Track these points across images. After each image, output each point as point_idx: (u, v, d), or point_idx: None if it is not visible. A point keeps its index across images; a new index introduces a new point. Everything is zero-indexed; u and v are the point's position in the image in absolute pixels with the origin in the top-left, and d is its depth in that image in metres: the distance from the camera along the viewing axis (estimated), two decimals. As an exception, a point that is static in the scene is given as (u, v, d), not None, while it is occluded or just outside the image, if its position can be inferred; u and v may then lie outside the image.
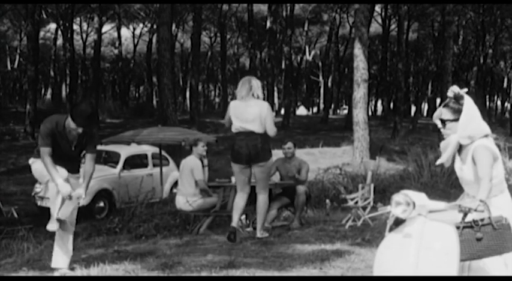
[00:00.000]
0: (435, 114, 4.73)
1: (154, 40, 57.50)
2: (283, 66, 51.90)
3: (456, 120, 4.53)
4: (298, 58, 68.86)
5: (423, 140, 33.37)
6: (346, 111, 59.36)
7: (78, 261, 6.98)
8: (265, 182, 8.80)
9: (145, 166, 17.16)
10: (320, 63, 71.82)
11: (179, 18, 57.09)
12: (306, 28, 60.80)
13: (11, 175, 23.58)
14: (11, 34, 69.57)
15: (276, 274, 6.27)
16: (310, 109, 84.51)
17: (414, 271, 3.74)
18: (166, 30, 26.38)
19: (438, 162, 4.84)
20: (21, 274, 6.53)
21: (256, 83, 8.56)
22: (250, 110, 8.42)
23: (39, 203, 15.31)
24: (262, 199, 8.76)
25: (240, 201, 8.74)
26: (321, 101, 70.05)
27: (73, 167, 6.76)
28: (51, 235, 11.32)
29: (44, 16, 54.20)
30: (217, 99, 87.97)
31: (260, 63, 57.00)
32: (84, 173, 6.64)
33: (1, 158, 28.08)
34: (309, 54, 67.96)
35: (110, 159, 17.06)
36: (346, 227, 9.90)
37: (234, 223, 8.61)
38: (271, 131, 8.50)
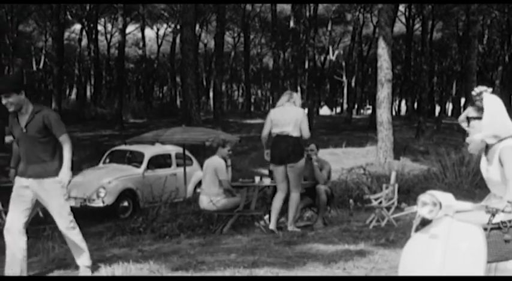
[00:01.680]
0: (463, 114, 4.69)
1: (177, 40, 57.61)
2: (306, 66, 51.73)
3: (479, 118, 4.48)
4: (322, 58, 68.72)
5: (447, 140, 33.15)
6: (369, 111, 59.17)
7: (103, 260, 7.00)
8: (296, 181, 9.57)
9: (169, 165, 17.20)
10: (343, 63, 71.65)
11: (203, 18, 57.23)
12: (329, 28, 60.67)
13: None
14: (36, 35, 70.14)
15: (300, 273, 6.25)
16: (334, 109, 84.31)
17: (440, 272, 3.70)
18: (190, 31, 26.41)
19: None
20: (47, 272, 6.57)
21: (296, 95, 9.69)
22: (286, 115, 9.40)
23: (64, 202, 15.43)
24: (293, 196, 9.58)
25: (276, 202, 9.59)
26: (345, 101, 69.83)
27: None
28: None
29: (69, 17, 54.64)
30: (240, 99, 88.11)
31: (283, 63, 56.95)
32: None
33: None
34: (333, 54, 67.82)
35: (134, 159, 17.13)
36: (370, 228, 9.85)
37: (272, 225, 9.50)
38: (306, 134, 9.42)
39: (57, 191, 6.19)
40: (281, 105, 9.57)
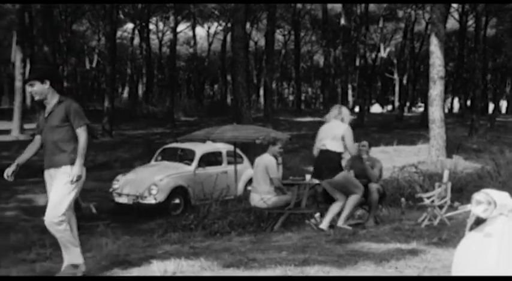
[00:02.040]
0: None
1: (228, 39, 57.87)
2: (357, 63, 51.50)
3: None
4: (373, 55, 68.14)
5: (502, 138, 32.60)
6: (421, 109, 58.46)
7: (155, 257, 7.07)
8: (349, 188, 9.61)
9: (220, 163, 17.27)
10: (395, 61, 70.93)
11: (253, 16, 57.30)
12: (380, 25, 60.10)
13: (89, 172, 23.96)
14: (89, 34, 71.23)
15: (351, 273, 6.21)
16: (385, 107, 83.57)
17: (494, 271, 3.65)
18: (241, 29, 26.48)
19: None
20: (100, 268, 6.65)
21: (345, 110, 9.60)
22: (329, 130, 9.45)
23: (116, 199, 15.63)
24: (353, 197, 9.64)
25: (334, 207, 9.67)
26: (396, 98, 69.18)
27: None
28: (128, 231, 11.59)
29: (121, 16, 55.28)
30: (290, 97, 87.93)
31: (334, 61, 56.66)
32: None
33: (81, 155, 28.74)
34: (384, 51, 67.19)
35: (185, 156, 17.26)
36: (422, 226, 9.74)
37: (324, 225, 9.47)
38: (351, 149, 9.48)
39: (62, 181, 6.06)
40: (328, 121, 9.62)
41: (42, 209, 14.90)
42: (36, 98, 6.21)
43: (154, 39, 67.66)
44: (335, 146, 9.35)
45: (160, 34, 68.14)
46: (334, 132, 9.35)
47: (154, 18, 63.77)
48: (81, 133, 6.11)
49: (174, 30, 50.72)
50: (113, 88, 41.34)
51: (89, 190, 17.81)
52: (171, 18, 54.36)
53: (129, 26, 64.92)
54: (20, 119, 37.00)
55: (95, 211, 13.70)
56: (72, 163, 6.07)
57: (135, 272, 6.42)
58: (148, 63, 59.51)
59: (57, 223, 6.01)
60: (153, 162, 17.50)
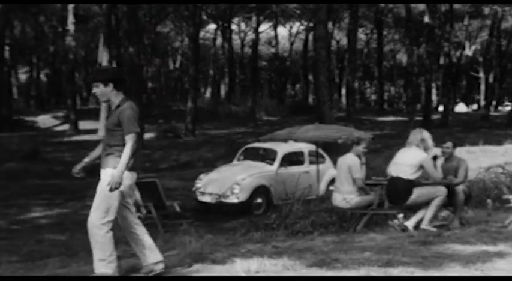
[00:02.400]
0: None
1: (310, 38, 57.77)
2: (441, 62, 50.52)
3: None
4: (458, 54, 66.75)
5: None
6: (508, 108, 56.94)
7: (238, 255, 7.12)
8: (426, 199, 9.48)
9: (302, 163, 17.25)
10: (481, 59, 69.29)
11: (335, 15, 57.04)
12: (465, 22, 58.84)
13: (173, 171, 24.54)
14: (173, 35, 72.40)
15: (436, 274, 6.11)
16: (470, 106, 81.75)
17: None
18: (323, 28, 26.41)
19: None
20: (184, 266, 6.75)
21: (427, 135, 9.50)
22: (408, 158, 9.44)
23: (199, 198, 15.83)
24: (435, 199, 9.50)
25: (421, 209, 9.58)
26: (482, 97, 67.57)
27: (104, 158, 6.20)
28: (211, 230, 11.71)
29: (204, 17, 55.91)
30: (373, 97, 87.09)
31: (417, 59, 55.71)
32: None
33: (164, 154, 29.26)
34: (469, 49, 65.72)
35: (267, 156, 17.32)
36: (509, 228, 9.49)
37: (410, 225, 9.44)
38: (436, 178, 9.47)
39: (103, 183, 6.00)
40: (409, 145, 9.55)
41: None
42: (100, 99, 6.27)
43: (236, 40, 68.24)
44: (408, 174, 9.38)
45: (242, 34, 68.66)
46: (412, 161, 9.36)
47: (237, 19, 64.29)
48: (129, 140, 5.96)
49: (256, 31, 51.06)
50: (196, 88, 41.91)
51: (173, 189, 18.16)
52: (253, 18, 54.69)
53: (212, 26, 65.71)
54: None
55: (178, 210, 13.89)
56: (115, 167, 5.97)
57: (218, 270, 6.48)
58: (230, 63, 60.05)
59: (98, 227, 6.00)
60: (235, 161, 17.64)
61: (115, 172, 5.87)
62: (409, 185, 9.37)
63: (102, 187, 5.99)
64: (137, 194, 13.88)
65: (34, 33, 62.73)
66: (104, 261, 5.99)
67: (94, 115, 40.81)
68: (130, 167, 6.04)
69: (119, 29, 47.96)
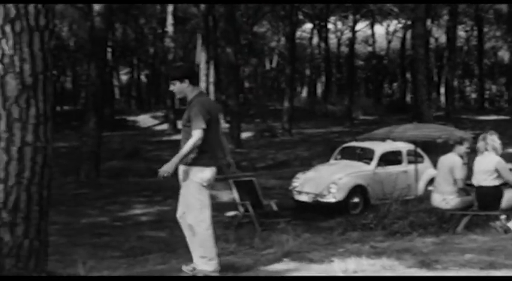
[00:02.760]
0: None
1: (408, 36, 56.88)
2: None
3: None
4: None
5: None
6: None
7: (336, 255, 7.10)
8: None
9: (400, 162, 17.00)
10: None
11: (434, 13, 55.92)
12: None
13: (270, 170, 24.67)
14: (269, 35, 72.80)
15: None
16: None
17: None
18: (421, 26, 25.99)
19: None
20: (282, 264, 6.77)
21: (490, 138, 9.64)
22: (482, 165, 9.60)
23: (296, 197, 15.85)
24: None
25: None
26: None
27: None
28: (308, 229, 11.72)
29: (301, 17, 55.97)
30: (473, 95, 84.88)
31: (521, 56, 54.10)
32: None
33: (261, 153, 29.47)
34: None
35: (364, 155, 17.17)
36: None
37: None
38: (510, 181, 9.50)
39: (185, 182, 6.12)
40: (480, 152, 9.68)
41: (224, 206, 15.49)
42: (177, 96, 6.40)
43: (332, 39, 67.91)
44: (489, 181, 9.39)
45: (338, 33, 68.27)
46: (488, 168, 9.39)
47: (333, 18, 63.99)
48: (193, 135, 5.97)
49: (352, 29, 50.80)
50: (292, 88, 42.02)
51: (270, 188, 18.26)
52: (350, 17, 54.36)
53: (308, 26, 65.64)
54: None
55: (275, 208, 13.96)
56: (191, 163, 6.05)
57: (316, 269, 6.48)
58: (326, 62, 59.83)
59: (196, 224, 6.13)
60: (332, 161, 17.57)
61: (169, 162, 5.91)
62: (495, 192, 9.20)
63: (184, 183, 6.13)
64: (235, 193, 14.06)
65: (134, 35, 64.40)
66: (205, 258, 6.10)
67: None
68: (204, 164, 6.10)
69: (216, 29, 48.62)
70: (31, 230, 6.12)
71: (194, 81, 6.31)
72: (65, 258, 9.39)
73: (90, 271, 6.73)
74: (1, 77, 5.93)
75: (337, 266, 6.37)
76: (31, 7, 5.97)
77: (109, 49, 45.16)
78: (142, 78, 73.42)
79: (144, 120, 48.91)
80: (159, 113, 49.42)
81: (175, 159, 5.92)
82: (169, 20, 42.08)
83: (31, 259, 6.14)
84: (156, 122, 47.73)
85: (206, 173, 6.11)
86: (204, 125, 5.99)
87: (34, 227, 6.14)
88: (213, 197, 17.30)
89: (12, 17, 5.92)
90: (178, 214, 6.33)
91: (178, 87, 6.24)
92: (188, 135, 6.06)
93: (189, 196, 6.12)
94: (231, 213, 14.80)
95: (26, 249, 6.09)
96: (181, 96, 6.34)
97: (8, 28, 5.92)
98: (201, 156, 6.04)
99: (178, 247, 10.24)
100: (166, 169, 5.89)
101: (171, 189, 18.39)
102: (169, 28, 42.00)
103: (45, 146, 6.17)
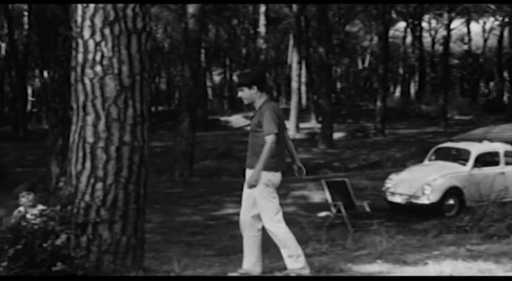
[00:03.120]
0: None
1: (505, 34, 55.33)
2: None
3: None
4: None
5: None
6: None
7: (430, 257, 6.99)
8: None
9: (497, 164, 16.51)
10: None
11: (533, 9, 54.16)
12: None
13: (362, 170, 24.47)
14: (362, 34, 72.27)
15: None
16: None
17: None
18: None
19: None
20: (375, 266, 6.71)
21: None
22: None
23: (389, 198, 15.64)
24: None
25: None
26: None
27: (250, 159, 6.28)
28: (402, 230, 11.56)
29: (394, 15, 55.28)
30: None
31: None
32: None
33: (353, 154, 29.27)
34: None
35: (459, 156, 16.77)
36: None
37: None
38: None
39: (256, 184, 6.06)
40: None
41: (318, 206, 15.48)
42: (245, 102, 6.38)
43: (426, 37, 66.77)
44: None
45: (433, 32, 67.05)
46: None
47: (427, 16, 62.90)
48: (268, 141, 5.99)
49: (447, 27, 49.68)
50: (385, 87, 41.56)
51: (362, 189, 18.11)
52: (445, 15, 53.20)
53: (401, 24, 64.78)
54: (296, 118, 38.62)
55: (368, 209, 13.85)
56: (265, 168, 6.03)
57: (410, 271, 6.39)
58: (420, 61, 58.89)
59: (274, 226, 6.09)
60: (426, 161, 17.25)
61: (254, 170, 5.99)
62: None
63: (254, 189, 6.10)
64: (327, 194, 14.03)
65: (227, 36, 65.12)
66: (292, 257, 6.12)
67: (284, 115, 41.65)
68: (273, 168, 6.10)
69: (308, 29, 48.61)
70: (128, 228, 6.29)
71: (262, 87, 6.32)
72: (160, 255, 9.61)
73: (185, 268, 6.83)
74: (100, 79, 6.13)
75: (432, 269, 6.26)
76: (129, 10, 6.13)
77: (202, 50, 45.81)
78: (235, 78, 74.15)
79: (237, 120, 49.39)
80: (251, 114, 49.64)
81: (259, 167, 5.97)
82: (262, 20, 42.38)
83: (128, 255, 6.31)
84: (248, 122, 47.92)
85: (277, 176, 6.14)
86: (276, 130, 6.03)
87: (131, 225, 6.32)
88: (304, 198, 17.47)
89: (111, 19, 6.10)
90: (244, 218, 6.33)
91: (246, 93, 6.28)
92: (257, 140, 6.13)
93: (262, 200, 6.11)
94: (323, 214, 14.79)
95: (124, 246, 6.27)
96: (249, 102, 6.38)
97: (107, 31, 6.11)
98: (271, 160, 6.06)
99: (270, 246, 10.29)
100: (254, 180, 6.00)
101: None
102: (262, 29, 42.30)
103: (142, 145, 6.34)
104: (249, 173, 6.19)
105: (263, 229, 6.28)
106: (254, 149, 6.17)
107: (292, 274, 6.12)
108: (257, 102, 6.30)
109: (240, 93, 6.36)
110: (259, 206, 6.13)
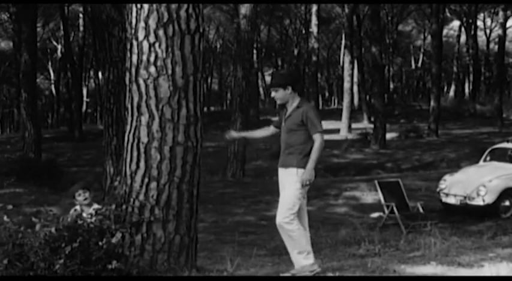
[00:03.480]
0: None
1: None
2: None
3: None
4: None
5: None
6: None
7: (486, 259, 6.88)
8: None
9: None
10: None
11: None
12: None
13: (415, 171, 24.22)
14: (415, 34, 71.52)
15: None
16: None
17: None
18: None
19: None
20: (429, 268, 6.64)
21: None
22: None
23: (443, 199, 15.44)
24: None
25: None
26: None
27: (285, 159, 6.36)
28: (456, 232, 11.40)
29: (448, 14, 54.57)
30: None
31: None
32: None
33: (406, 154, 28.98)
34: None
35: (516, 157, 16.49)
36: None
37: None
38: None
39: (290, 182, 6.14)
40: None
41: (370, 207, 15.40)
42: (278, 102, 6.40)
43: (481, 36, 65.72)
44: None
45: (488, 30, 65.96)
46: None
47: (482, 15, 61.93)
48: (317, 139, 6.08)
49: (503, 26, 48.68)
50: (439, 87, 41.02)
51: (416, 189, 17.93)
52: (500, 13, 52.19)
53: (456, 23, 63.91)
54: (349, 118, 38.45)
55: (421, 210, 13.71)
56: (299, 165, 6.12)
57: (465, 273, 6.30)
58: (475, 60, 57.98)
59: (288, 223, 6.09)
60: (481, 162, 16.98)
61: (307, 169, 6.04)
62: None
63: (289, 185, 6.15)
64: (380, 194, 13.94)
65: (279, 36, 65.15)
66: (302, 253, 6.14)
67: (336, 115, 41.46)
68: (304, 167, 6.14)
69: (361, 29, 48.33)
70: (182, 227, 6.35)
71: (297, 87, 6.36)
72: (213, 255, 9.66)
73: (237, 268, 6.87)
74: (154, 79, 6.19)
75: (488, 271, 6.16)
76: (183, 11, 6.18)
77: (254, 51, 45.93)
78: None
79: (288, 121, 49.32)
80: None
81: (311, 165, 6.04)
82: (314, 20, 42.18)
83: (182, 254, 6.36)
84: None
85: (313, 174, 6.13)
86: (322, 128, 6.13)
87: (185, 224, 6.37)
88: (357, 199, 17.40)
89: (165, 21, 6.16)
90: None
91: (281, 94, 6.32)
92: (297, 139, 6.19)
93: (294, 197, 6.13)
94: (375, 214, 14.72)
95: (177, 245, 6.32)
96: (283, 103, 6.42)
97: (161, 32, 6.17)
98: (307, 159, 6.11)
99: (323, 247, 10.29)
100: (308, 177, 6.05)
101: (316, 189, 18.55)
102: (314, 28, 42.11)
103: (195, 145, 6.39)
104: (283, 172, 6.29)
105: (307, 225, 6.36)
106: (292, 147, 6.22)
107: (303, 272, 6.11)
108: (292, 102, 6.34)
109: (273, 94, 6.40)
110: (285, 200, 6.15)
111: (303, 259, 6.15)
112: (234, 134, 7.35)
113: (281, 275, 6.37)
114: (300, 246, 6.14)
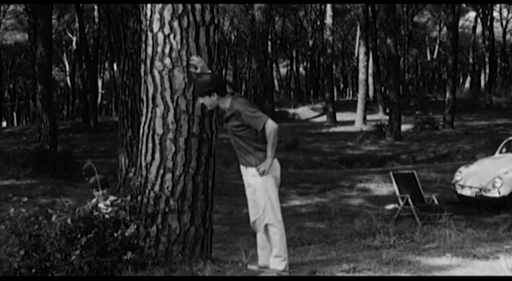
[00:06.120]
0: None
1: None
2: None
3: None
4: None
5: None
6: None
7: (501, 251, 6.85)
8: None
9: None
10: None
11: None
12: None
13: (431, 163, 24.12)
14: (430, 25, 71.12)
15: None
16: None
17: None
18: None
19: None
20: (444, 259, 6.62)
21: None
22: None
23: (459, 191, 15.39)
24: None
25: None
26: None
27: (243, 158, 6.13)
28: (471, 224, 11.35)
29: (463, 5, 54.23)
30: None
31: None
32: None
33: (421, 146, 28.86)
34: None
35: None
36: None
37: None
38: None
39: (256, 183, 5.97)
40: None
41: (385, 198, 15.35)
42: (209, 108, 6.18)
43: (497, 27, 65.25)
44: None
45: (504, 21, 65.51)
46: None
47: (498, 5, 61.49)
48: (267, 127, 5.85)
49: (519, 17, 48.44)
50: (455, 79, 40.75)
51: (431, 181, 17.87)
52: (517, 3, 51.95)
53: (472, 14, 63.47)
54: (364, 110, 38.33)
55: (437, 202, 13.67)
56: (257, 163, 5.91)
57: (480, 265, 6.28)
58: (491, 52, 57.60)
59: (272, 226, 5.97)
60: (497, 154, 16.90)
61: (266, 160, 5.84)
62: None
63: (256, 185, 5.99)
64: (395, 186, 13.91)
65: (294, 28, 65.00)
66: (279, 257, 5.96)
67: (351, 107, 41.37)
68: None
69: (376, 20, 48.11)
70: (197, 218, 6.36)
71: (222, 92, 6.06)
72: (228, 246, 9.70)
73: (252, 259, 6.87)
74: (169, 71, 6.21)
75: (504, 263, 6.13)
76: (197, 3, 6.18)
77: (269, 42, 45.88)
78: (301, 70, 74.01)
79: (303, 112, 49.32)
80: (318, 105, 49.64)
81: (269, 153, 5.88)
82: (328, 11, 42.06)
83: (197, 245, 6.38)
84: (315, 114, 47.96)
85: (272, 163, 5.95)
86: (265, 114, 5.92)
87: (200, 215, 6.39)
88: (371, 190, 17.37)
89: (180, 12, 6.17)
90: (254, 219, 6.26)
91: (207, 101, 6.05)
92: (244, 140, 6.00)
93: (266, 197, 5.96)
94: (390, 206, 14.69)
95: (192, 236, 6.34)
96: (213, 108, 6.22)
97: (175, 24, 6.18)
98: (265, 152, 5.95)
99: (338, 238, 10.29)
100: (264, 168, 5.88)
101: (330, 181, 18.55)
102: (328, 20, 41.99)
103: (210, 137, 6.41)
104: (245, 171, 6.10)
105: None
106: (244, 149, 6.04)
107: (274, 273, 5.94)
108: (223, 105, 6.09)
109: (201, 101, 6.13)
110: (264, 199, 5.97)
111: (277, 263, 5.97)
112: None
113: (248, 267, 6.31)
114: (279, 251, 5.96)
